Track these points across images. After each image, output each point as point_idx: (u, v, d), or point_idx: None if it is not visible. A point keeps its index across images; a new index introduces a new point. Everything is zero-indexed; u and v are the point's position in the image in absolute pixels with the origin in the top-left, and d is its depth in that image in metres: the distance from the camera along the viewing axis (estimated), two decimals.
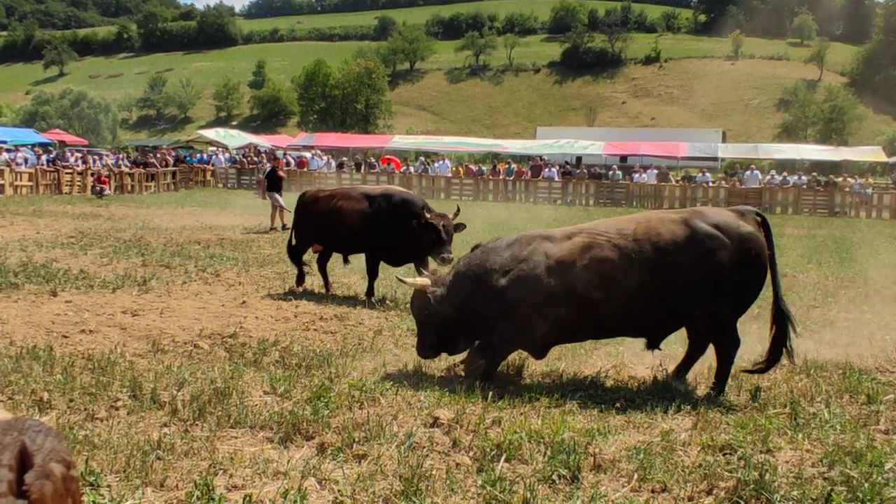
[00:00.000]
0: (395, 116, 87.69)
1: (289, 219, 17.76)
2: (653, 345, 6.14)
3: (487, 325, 6.10)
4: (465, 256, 6.41)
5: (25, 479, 0.99)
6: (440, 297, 6.16)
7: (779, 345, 5.91)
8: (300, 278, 10.26)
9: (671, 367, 6.18)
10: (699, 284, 5.70)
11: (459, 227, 9.03)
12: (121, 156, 39.38)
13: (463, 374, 6.31)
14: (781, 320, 5.98)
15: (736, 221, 5.81)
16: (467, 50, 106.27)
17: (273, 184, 18.32)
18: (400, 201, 9.33)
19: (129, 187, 30.29)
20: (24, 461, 1.01)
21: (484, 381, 5.95)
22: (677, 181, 35.03)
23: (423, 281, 6.35)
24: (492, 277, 5.99)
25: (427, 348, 6.31)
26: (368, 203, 9.54)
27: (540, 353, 6.28)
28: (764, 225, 5.94)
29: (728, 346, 5.88)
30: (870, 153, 41.64)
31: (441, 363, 6.57)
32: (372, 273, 9.65)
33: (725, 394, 5.75)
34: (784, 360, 6.06)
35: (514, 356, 6.60)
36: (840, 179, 34.34)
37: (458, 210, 9.27)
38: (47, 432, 1.05)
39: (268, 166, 27.27)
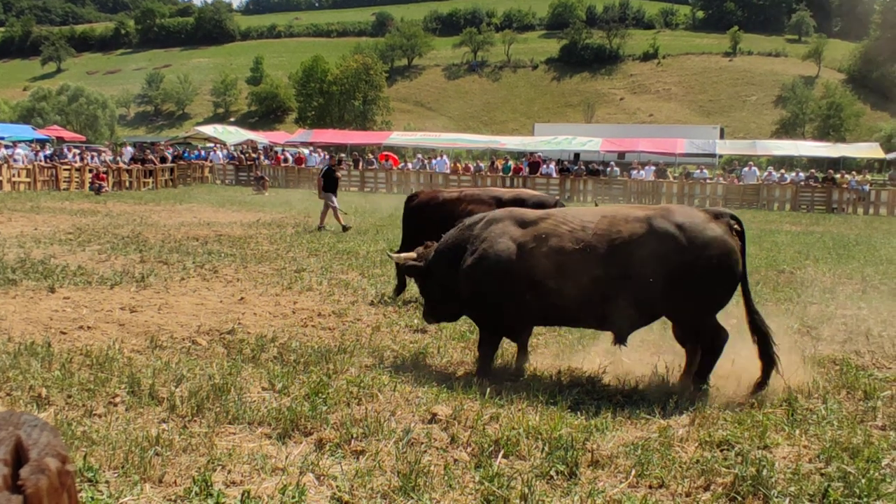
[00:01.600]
0: (392, 113, 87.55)
1: (343, 219, 17.41)
2: (619, 339, 6.05)
3: (463, 302, 6.34)
4: (448, 232, 6.60)
5: (21, 474, 0.99)
6: (419, 271, 6.59)
7: (767, 357, 5.72)
8: (400, 287, 9.58)
9: (667, 364, 6.17)
10: (657, 285, 5.52)
11: None
12: (125, 148, 39.45)
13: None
14: (759, 335, 5.79)
15: (703, 224, 5.61)
16: (465, 46, 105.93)
17: (329, 184, 17.77)
18: (534, 204, 8.94)
19: (127, 184, 30.25)
20: (19, 456, 1.01)
21: (479, 376, 5.97)
22: (675, 178, 35.03)
23: (406, 255, 6.86)
24: (460, 255, 6.18)
25: (427, 315, 6.84)
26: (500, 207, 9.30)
27: (513, 336, 6.39)
28: (740, 231, 5.77)
29: (711, 342, 5.77)
30: (867, 150, 41.71)
31: (439, 361, 6.58)
32: None
33: (707, 385, 5.67)
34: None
35: (502, 350, 6.61)
36: (839, 176, 34.38)
37: (597, 206, 9.08)
38: (43, 427, 1.05)
39: (260, 163, 27.02)
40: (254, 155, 39.56)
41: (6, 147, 32.92)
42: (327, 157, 19.11)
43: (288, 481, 3.93)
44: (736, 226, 5.73)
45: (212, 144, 42.24)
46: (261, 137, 47.42)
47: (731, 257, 5.58)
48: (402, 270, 6.91)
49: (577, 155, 41.66)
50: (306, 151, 41.03)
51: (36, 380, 5.47)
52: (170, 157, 35.49)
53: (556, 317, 6.13)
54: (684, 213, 5.75)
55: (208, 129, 47.03)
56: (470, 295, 6.16)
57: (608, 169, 35.94)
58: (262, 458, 4.22)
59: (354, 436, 4.59)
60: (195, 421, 4.85)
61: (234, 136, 45.16)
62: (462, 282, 6.13)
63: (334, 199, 17.68)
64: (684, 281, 5.51)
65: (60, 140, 44.60)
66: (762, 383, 5.67)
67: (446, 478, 4.05)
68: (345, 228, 17.03)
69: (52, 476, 1.00)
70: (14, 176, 27.19)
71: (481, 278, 5.99)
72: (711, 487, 4.06)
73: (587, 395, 5.61)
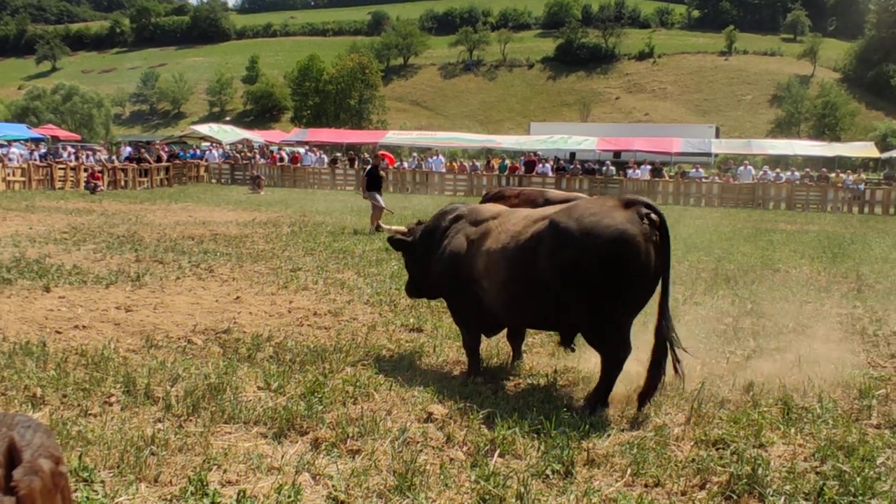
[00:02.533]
0: (388, 112, 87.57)
1: (383, 221, 16.53)
2: (564, 342, 6.03)
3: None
4: (433, 216, 6.73)
5: (14, 475, 0.98)
6: (405, 245, 6.75)
7: (655, 370, 5.17)
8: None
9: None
10: (555, 286, 5.23)
11: None
12: (123, 148, 39.37)
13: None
14: (659, 342, 5.21)
15: (602, 213, 5.12)
16: (461, 45, 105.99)
17: (373, 183, 17.27)
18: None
19: (123, 183, 30.18)
20: (12, 457, 1.00)
21: (470, 375, 5.98)
22: (671, 177, 35.07)
23: (398, 228, 7.13)
24: (433, 244, 6.32)
25: (408, 289, 7.07)
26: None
27: (487, 332, 6.38)
28: (659, 222, 5.10)
29: (609, 355, 5.24)
30: (862, 149, 41.83)
31: (435, 360, 6.58)
32: None
33: (606, 406, 5.21)
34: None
35: (498, 350, 6.61)
36: (833, 175, 34.43)
37: None
38: (36, 428, 1.04)
39: (256, 162, 26.43)
40: (249, 154, 39.49)
41: (1, 146, 32.82)
42: (371, 156, 18.51)
43: (284, 481, 3.93)
44: (651, 214, 5.09)
45: (207, 143, 42.15)
46: (256, 136, 47.35)
47: (627, 247, 4.96)
48: (390, 242, 6.95)
49: (573, 154, 41.66)
50: (302, 150, 40.96)
51: (31, 379, 5.46)
52: (165, 157, 35.40)
53: (502, 315, 6.00)
54: (586, 206, 5.38)
55: (204, 128, 46.96)
56: (437, 284, 6.37)
57: (604, 168, 35.95)
58: (257, 458, 4.22)
59: (350, 435, 4.59)
60: (191, 420, 4.85)
61: (230, 135, 45.09)
62: (432, 270, 6.34)
63: (379, 198, 17.30)
64: (577, 276, 5.09)
65: (56, 139, 44.46)
66: (644, 395, 5.19)
67: (442, 477, 4.05)
68: (378, 229, 16.43)
69: (45, 477, 1.00)
70: (9, 175, 27.14)
71: (442, 270, 6.16)
72: (707, 486, 4.07)
73: (583, 393, 5.61)
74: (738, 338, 7.44)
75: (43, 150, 35.49)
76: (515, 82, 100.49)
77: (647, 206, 5.14)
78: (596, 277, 5.03)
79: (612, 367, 5.24)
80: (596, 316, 5.18)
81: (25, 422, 1.05)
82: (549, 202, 9.03)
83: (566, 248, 5.11)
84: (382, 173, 18.32)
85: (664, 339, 5.19)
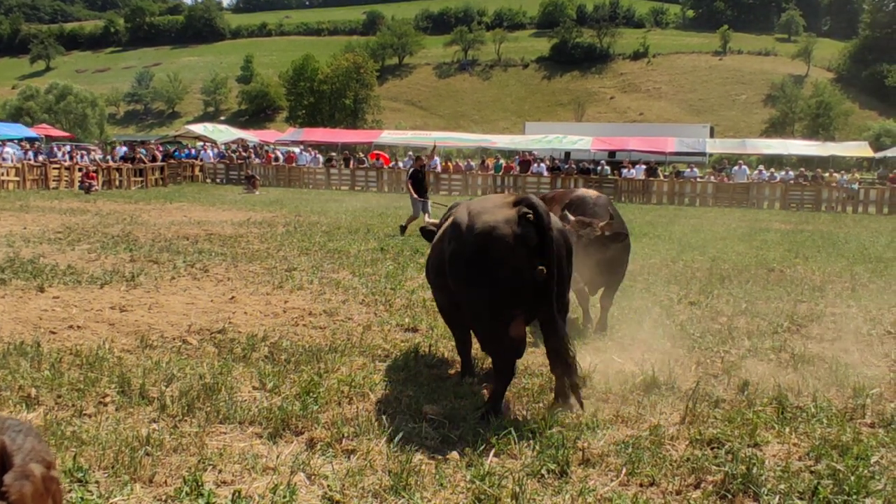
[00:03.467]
0: (383, 111, 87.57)
1: (412, 224, 15.87)
2: None
3: None
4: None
5: (4, 480, 0.97)
6: (430, 234, 6.50)
7: (556, 370, 4.94)
8: None
9: (657, 364, 6.16)
10: (450, 285, 5.24)
11: (617, 236, 7.32)
12: (119, 148, 39.25)
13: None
14: (557, 363, 4.89)
15: (485, 212, 5.02)
16: (456, 45, 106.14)
17: (420, 186, 16.87)
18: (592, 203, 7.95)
19: (117, 182, 30.10)
20: (3, 461, 0.99)
21: (464, 375, 5.95)
22: (665, 176, 35.11)
23: (432, 220, 6.96)
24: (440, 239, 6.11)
25: None
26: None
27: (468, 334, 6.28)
28: (535, 222, 4.82)
29: (494, 360, 5.21)
30: (856, 148, 41.97)
31: (431, 360, 6.56)
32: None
33: (500, 414, 5.01)
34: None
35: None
36: (827, 175, 34.49)
37: (612, 218, 7.55)
38: (27, 432, 1.04)
39: (251, 162, 26.36)
40: (244, 154, 39.42)
41: None
42: (412, 157, 17.84)
43: (279, 481, 3.92)
44: (528, 214, 4.85)
45: (202, 143, 42.06)
46: (251, 136, 47.23)
47: (493, 245, 4.83)
48: (422, 232, 6.86)
49: (567, 154, 41.69)
50: (297, 150, 40.93)
51: (25, 380, 5.44)
52: (159, 157, 35.30)
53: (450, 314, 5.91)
54: (485, 200, 5.35)
55: (198, 128, 46.78)
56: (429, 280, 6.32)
57: (599, 168, 35.97)
58: (252, 458, 4.21)
59: (345, 435, 4.58)
60: (186, 420, 4.83)
61: (225, 134, 44.96)
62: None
63: (428, 202, 16.87)
64: (456, 269, 5.10)
65: (50, 139, 44.30)
66: (558, 394, 5.00)
67: (437, 477, 4.05)
68: (402, 230, 16.35)
69: (36, 482, 0.99)
70: (3, 175, 27.06)
71: (428, 268, 6.11)
72: (702, 485, 4.07)
73: None
74: (732, 337, 7.45)
75: (37, 149, 35.34)
76: (510, 82, 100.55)
77: (529, 205, 4.89)
78: (467, 272, 4.99)
79: (499, 372, 5.11)
80: (474, 314, 5.15)
81: (16, 426, 1.04)
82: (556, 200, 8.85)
83: (453, 239, 5.16)
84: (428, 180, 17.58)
85: (555, 352, 4.87)
